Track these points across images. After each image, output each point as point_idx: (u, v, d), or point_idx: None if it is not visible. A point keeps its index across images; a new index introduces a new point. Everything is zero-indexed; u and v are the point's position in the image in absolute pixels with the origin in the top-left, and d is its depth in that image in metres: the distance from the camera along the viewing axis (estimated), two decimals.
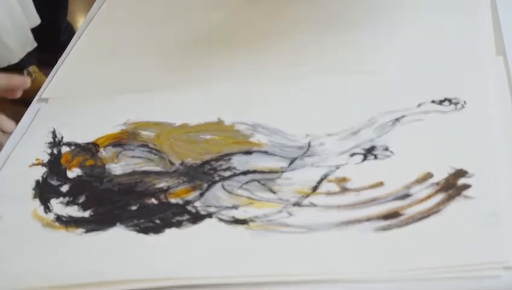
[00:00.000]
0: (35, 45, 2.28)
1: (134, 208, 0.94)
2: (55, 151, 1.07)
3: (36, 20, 2.31)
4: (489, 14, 1.10)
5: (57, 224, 0.94)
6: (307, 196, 0.88)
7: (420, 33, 1.12)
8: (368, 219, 0.83)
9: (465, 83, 1.00)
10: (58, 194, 0.99)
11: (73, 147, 1.07)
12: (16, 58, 2.25)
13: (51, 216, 0.95)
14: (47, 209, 0.97)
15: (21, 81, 1.21)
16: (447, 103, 0.97)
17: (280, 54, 1.15)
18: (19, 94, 1.18)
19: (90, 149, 1.06)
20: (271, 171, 0.94)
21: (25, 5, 2.25)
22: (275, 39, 1.19)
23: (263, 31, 1.21)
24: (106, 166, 1.02)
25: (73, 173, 1.03)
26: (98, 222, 0.93)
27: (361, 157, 0.92)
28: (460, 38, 1.07)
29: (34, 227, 0.94)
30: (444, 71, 1.03)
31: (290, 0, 1.28)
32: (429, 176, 0.86)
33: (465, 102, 0.96)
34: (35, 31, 2.30)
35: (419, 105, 0.97)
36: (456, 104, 0.96)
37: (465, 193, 0.83)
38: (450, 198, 0.82)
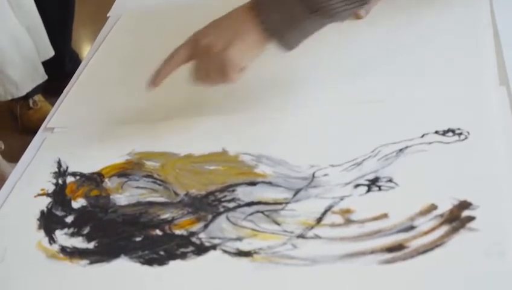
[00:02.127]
0: (45, 77, 2.29)
1: (138, 239, 0.94)
2: (60, 181, 1.08)
3: (49, 52, 2.32)
4: (492, 44, 1.10)
5: (61, 255, 0.95)
6: (311, 227, 0.89)
7: (423, 64, 1.12)
8: (372, 252, 0.83)
9: (469, 113, 1.00)
10: (63, 225, 0.99)
11: (78, 177, 1.08)
12: (21, 92, 2.26)
13: (55, 247, 0.96)
14: (51, 240, 0.97)
15: None
16: (450, 133, 0.97)
17: (283, 85, 1.15)
18: None
19: (95, 179, 1.07)
20: (275, 203, 0.94)
21: (39, 38, 2.27)
22: (279, 69, 1.20)
23: (268, 61, 1.21)
24: (111, 196, 1.03)
25: (78, 203, 1.03)
26: (102, 253, 0.93)
27: (366, 188, 0.92)
28: (464, 69, 1.08)
29: (38, 258, 0.95)
30: (448, 102, 1.03)
31: None
32: (433, 207, 0.86)
33: (468, 133, 0.96)
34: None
35: (422, 136, 0.98)
36: (459, 134, 0.96)
37: (470, 225, 0.83)
38: (454, 230, 0.82)
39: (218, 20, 1.07)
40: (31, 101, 2.45)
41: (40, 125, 1.24)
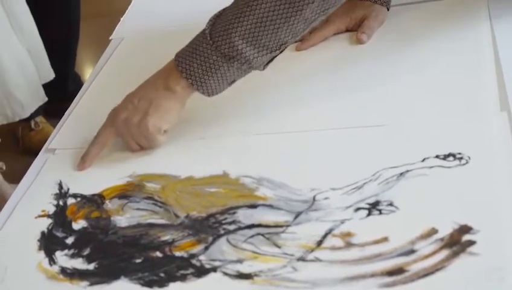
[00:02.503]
0: (46, 99, 2.30)
1: (138, 260, 0.94)
2: (61, 202, 1.08)
3: (50, 75, 2.33)
4: (493, 70, 1.11)
5: (61, 276, 0.94)
6: (312, 250, 0.88)
7: (425, 88, 1.12)
8: (373, 275, 0.83)
9: (470, 138, 1.00)
10: (63, 246, 0.99)
11: (79, 199, 1.08)
12: (26, 113, 2.27)
13: (55, 268, 0.96)
14: (52, 261, 0.97)
15: None
16: (451, 158, 0.97)
17: (284, 108, 1.16)
18: None
19: (95, 201, 1.07)
20: (276, 225, 0.94)
21: (39, 61, 2.28)
22: (280, 93, 1.20)
23: (268, 84, 1.22)
24: (111, 218, 1.03)
25: (78, 224, 1.03)
26: (102, 275, 0.93)
27: (366, 212, 0.92)
28: (465, 94, 1.08)
29: (38, 279, 0.95)
30: (449, 126, 1.03)
31: (295, 56, 1.30)
32: (434, 231, 0.86)
33: (469, 157, 0.96)
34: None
35: (423, 160, 0.98)
36: (460, 159, 0.97)
37: (470, 249, 0.83)
38: (454, 255, 0.82)
39: (133, 93, 1.14)
40: (32, 123, 2.46)
41: (42, 147, 1.24)
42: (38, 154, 1.23)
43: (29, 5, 2.25)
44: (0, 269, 0.97)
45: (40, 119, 2.48)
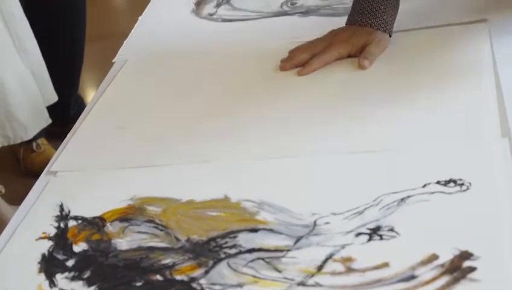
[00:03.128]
0: (50, 121, 2.30)
1: (139, 284, 0.94)
2: (62, 225, 1.08)
3: (53, 98, 2.33)
4: (494, 96, 1.11)
5: None
6: (312, 275, 0.88)
7: (426, 114, 1.13)
8: None
9: (471, 164, 1.00)
10: (64, 269, 0.99)
11: (80, 221, 1.08)
12: (29, 135, 2.27)
13: None
14: (52, 284, 0.97)
15: None
16: (452, 184, 0.97)
17: (286, 133, 1.16)
18: None
19: (96, 223, 1.07)
20: (276, 250, 0.94)
21: (43, 83, 2.28)
22: (281, 118, 1.21)
23: (270, 109, 1.22)
24: (112, 241, 1.03)
25: (79, 247, 1.03)
26: None
27: (367, 237, 0.92)
28: (466, 120, 1.08)
29: None
30: (450, 152, 1.03)
31: (297, 81, 1.30)
32: (434, 257, 0.86)
33: (470, 183, 0.96)
34: None
35: (424, 185, 0.98)
36: (461, 185, 0.97)
37: (471, 275, 0.83)
38: (455, 281, 0.82)
39: None
40: (34, 145, 2.45)
41: (43, 169, 1.24)
42: (39, 176, 1.23)
43: (32, 28, 2.26)
44: None
45: (42, 141, 2.47)
